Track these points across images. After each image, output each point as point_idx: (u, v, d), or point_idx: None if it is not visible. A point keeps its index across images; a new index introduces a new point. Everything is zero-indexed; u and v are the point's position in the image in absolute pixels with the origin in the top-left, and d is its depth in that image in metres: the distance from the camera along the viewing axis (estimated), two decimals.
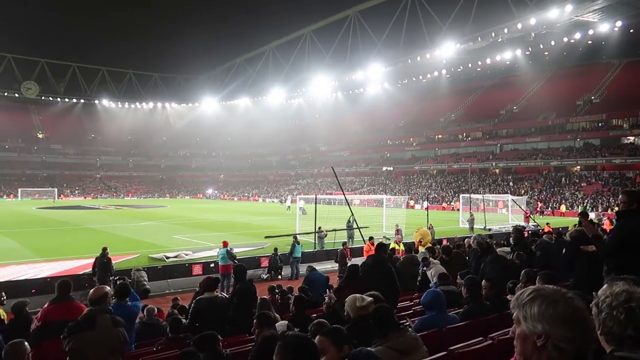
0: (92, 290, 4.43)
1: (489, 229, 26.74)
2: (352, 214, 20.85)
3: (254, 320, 4.29)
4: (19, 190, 74.51)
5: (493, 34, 45.12)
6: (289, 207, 45.37)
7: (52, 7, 70.60)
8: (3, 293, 7.57)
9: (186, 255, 18.39)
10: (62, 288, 5.19)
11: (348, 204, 21.06)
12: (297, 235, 18.06)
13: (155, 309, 7.32)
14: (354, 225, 20.69)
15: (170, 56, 76.17)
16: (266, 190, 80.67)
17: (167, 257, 17.76)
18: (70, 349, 3.76)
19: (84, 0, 72.01)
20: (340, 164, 75.33)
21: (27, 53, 75.08)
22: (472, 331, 4.02)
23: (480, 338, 3.60)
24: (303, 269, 12.96)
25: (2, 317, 6.94)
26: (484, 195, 37.28)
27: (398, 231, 19.45)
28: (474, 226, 26.95)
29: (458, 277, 6.55)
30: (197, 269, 15.72)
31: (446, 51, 49.91)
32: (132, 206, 57.47)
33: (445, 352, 3.27)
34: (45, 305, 5.07)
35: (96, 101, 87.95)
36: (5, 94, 78.43)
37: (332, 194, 47.26)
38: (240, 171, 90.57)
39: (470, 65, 60.12)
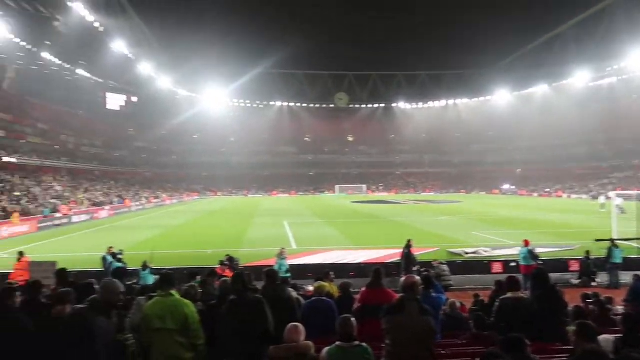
0: (403, 278, 4.83)
1: None
2: None
3: (569, 329, 3.90)
4: (336, 186, 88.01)
5: None
6: (603, 204, 39.39)
7: (356, 24, 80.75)
8: (332, 273, 9.05)
9: (485, 252, 18.13)
10: (376, 275, 5.92)
11: None
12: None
13: (458, 303, 7.47)
14: None
15: (459, 53, 76.02)
16: (571, 186, 72.00)
17: (466, 253, 17.88)
18: (385, 328, 4.21)
19: (378, 18, 79.81)
20: None
21: (338, 69, 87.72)
22: None
23: None
24: (625, 277, 11.06)
25: (333, 293, 8.24)
26: None
27: None
28: None
29: None
30: (497, 267, 15.32)
31: None
32: (430, 201, 59.85)
33: None
34: (363, 289, 5.86)
35: (394, 104, 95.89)
36: (324, 105, 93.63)
37: None
38: (539, 164, 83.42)
39: None
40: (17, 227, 28.92)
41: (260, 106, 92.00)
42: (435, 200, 62.96)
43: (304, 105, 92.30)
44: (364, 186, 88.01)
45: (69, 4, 34.62)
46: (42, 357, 3.83)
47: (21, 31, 41.36)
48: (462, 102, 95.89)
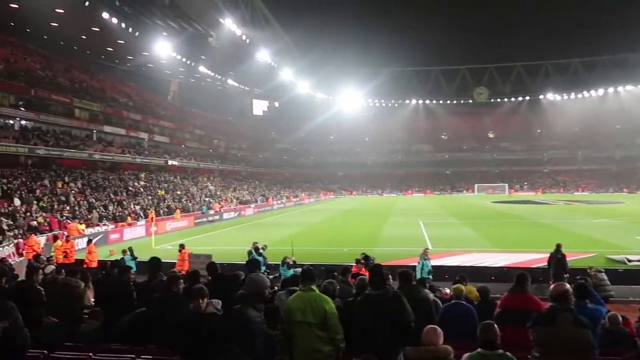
0: (552, 286, 4.45)
1: None
2: None
3: None
4: (475, 185, 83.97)
5: None
6: None
7: (495, 14, 75.95)
8: (464, 274, 8.61)
9: None
10: (520, 280, 5.50)
11: None
12: None
13: (620, 317, 6.60)
14: None
15: (620, 36, 67.06)
16: None
17: (629, 260, 15.80)
18: (534, 339, 3.90)
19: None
20: None
21: (476, 62, 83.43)
22: None
23: None
24: None
25: (472, 297, 7.85)
26: None
27: None
28: None
29: None
30: None
31: None
32: (584, 201, 54.24)
33: None
34: (505, 294, 5.50)
35: (541, 96, 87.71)
36: (462, 101, 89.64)
37: None
38: None
39: None
40: (179, 222, 32.78)
41: (395, 105, 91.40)
42: (591, 200, 56.62)
43: (440, 102, 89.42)
44: (506, 185, 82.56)
45: (221, 20, 38.15)
46: (196, 348, 4.11)
47: (181, 48, 46.78)
48: (625, 90, 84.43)
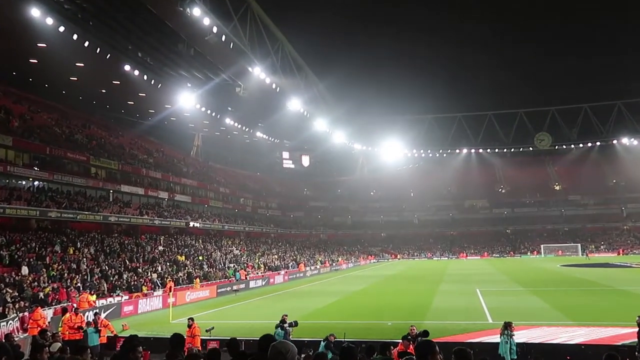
0: None
1: None
2: None
3: None
4: (541, 246, 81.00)
5: None
6: None
7: (557, 52, 76.42)
8: (538, 355, 8.17)
9: None
10: None
11: None
12: None
13: None
14: None
15: None
16: None
17: None
18: None
19: (586, 38, 74.20)
20: None
21: (536, 105, 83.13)
22: None
23: None
24: None
25: None
26: None
27: None
28: None
29: None
30: None
31: None
32: None
33: None
34: None
35: (614, 141, 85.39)
36: (520, 149, 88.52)
37: None
38: None
39: None
40: (199, 291, 32.81)
41: (444, 155, 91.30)
42: None
43: (496, 150, 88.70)
44: (578, 245, 79.38)
45: (249, 68, 39.81)
46: None
47: (206, 100, 48.98)
48: None
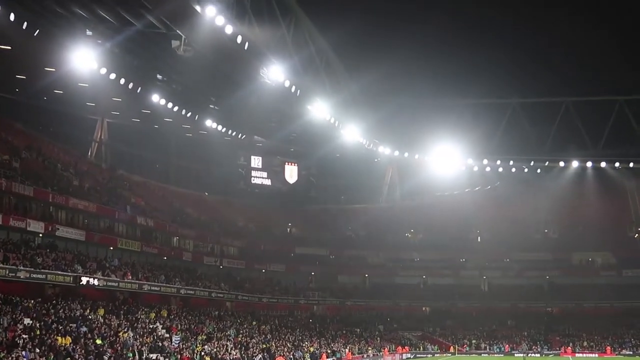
0: None
1: None
2: None
3: None
4: None
5: None
6: None
7: None
8: None
9: None
10: None
11: None
12: None
13: None
14: None
15: None
16: None
17: None
18: None
19: None
20: None
21: None
22: None
23: None
24: None
25: None
26: None
27: None
28: None
29: None
30: None
31: None
32: None
33: None
34: None
35: None
36: None
37: None
38: None
39: None
40: None
41: (537, 170, 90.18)
42: None
43: (630, 164, 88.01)
44: None
45: (197, 8, 39.73)
46: None
47: (119, 61, 49.16)
48: None
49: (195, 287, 67.31)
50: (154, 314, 55.24)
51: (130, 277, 57.04)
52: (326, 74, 48.78)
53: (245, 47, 44.31)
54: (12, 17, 38.49)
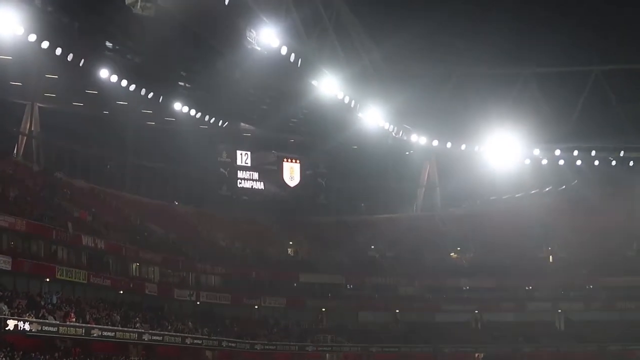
0: None
1: None
2: None
3: None
4: None
5: None
6: None
7: None
8: None
9: None
10: None
11: None
12: None
13: None
14: None
15: None
16: None
17: None
18: None
19: None
20: None
21: None
22: None
23: None
24: None
25: None
26: None
27: None
28: None
29: None
30: None
31: None
32: None
33: None
34: None
35: None
36: None
37: None
38: None
39: None
40: None
41: (630, 163, 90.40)
42: None
43: None
44: None
45: None
46: None
47: (53, 23, 49.03)
48: None
49: (163, 332, 66.87)
50: None
51: (74, 320, 56.75)
52: (337, 36, 48.32)
53: (226, 1, 44.40)
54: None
